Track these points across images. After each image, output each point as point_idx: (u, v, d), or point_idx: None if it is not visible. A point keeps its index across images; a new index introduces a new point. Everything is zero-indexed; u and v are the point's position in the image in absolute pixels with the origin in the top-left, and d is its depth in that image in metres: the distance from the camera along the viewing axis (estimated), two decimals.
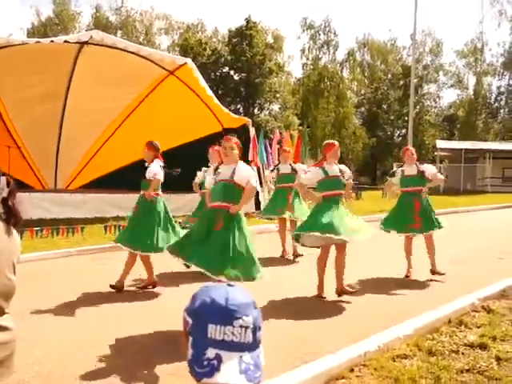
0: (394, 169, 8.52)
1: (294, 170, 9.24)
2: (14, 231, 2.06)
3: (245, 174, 5.30)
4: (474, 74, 52.01)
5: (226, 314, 1.36)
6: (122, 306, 6.04)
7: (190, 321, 1.40)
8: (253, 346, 1.38)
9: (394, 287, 7.08)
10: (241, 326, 1.36)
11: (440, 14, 78.98)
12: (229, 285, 1.46)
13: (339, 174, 6.53)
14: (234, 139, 5.46)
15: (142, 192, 6.93)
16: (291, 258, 9.31)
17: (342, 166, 6.78)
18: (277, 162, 16.42)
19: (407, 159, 7.93)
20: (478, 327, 5.10)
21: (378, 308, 5.99)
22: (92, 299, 6.29)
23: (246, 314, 1.38)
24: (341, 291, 6.32)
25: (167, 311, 5.61)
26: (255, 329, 1.39)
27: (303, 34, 45.55)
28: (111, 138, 16.53)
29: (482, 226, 15.09)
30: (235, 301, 1.38)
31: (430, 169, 8.00)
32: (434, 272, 7.69)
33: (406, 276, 7.71)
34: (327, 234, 5.96)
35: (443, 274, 7.58)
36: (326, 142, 6.80)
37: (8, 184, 2.05)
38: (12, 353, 2.03)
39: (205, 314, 1.37)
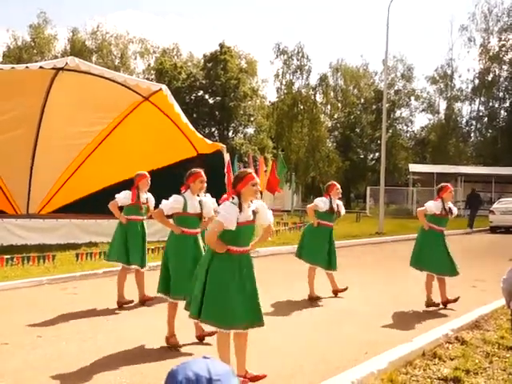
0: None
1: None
2: None
3: None
4: (444, 99, 53.01)
5: None
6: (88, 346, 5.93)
7: None
8: None
9: (369, 316, 7.11)
10: None
11: (411, 40, 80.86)
12: (205, 357, 1.48)
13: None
14: None
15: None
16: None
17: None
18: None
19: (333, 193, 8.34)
20: (452, 359, 5.13)
21: (351, 339, 5.99)
22: (56, 333, 6.10)
23: (230, 382, 1.42)
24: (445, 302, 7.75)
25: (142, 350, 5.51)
26: None
27: (276, 60, 45.94)
28: (85, 163, 16.38)
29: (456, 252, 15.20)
30: (217, 371, 1.42)
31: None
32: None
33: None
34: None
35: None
36: None
37: None
38: None
39: None
